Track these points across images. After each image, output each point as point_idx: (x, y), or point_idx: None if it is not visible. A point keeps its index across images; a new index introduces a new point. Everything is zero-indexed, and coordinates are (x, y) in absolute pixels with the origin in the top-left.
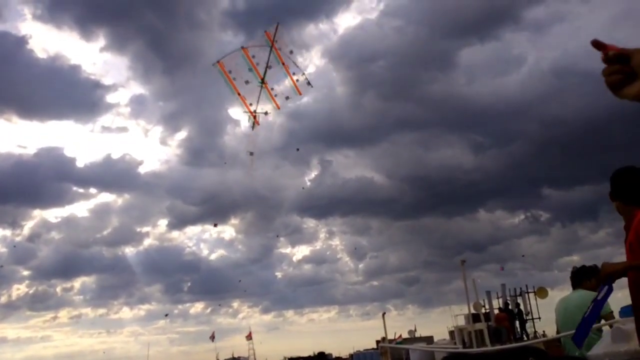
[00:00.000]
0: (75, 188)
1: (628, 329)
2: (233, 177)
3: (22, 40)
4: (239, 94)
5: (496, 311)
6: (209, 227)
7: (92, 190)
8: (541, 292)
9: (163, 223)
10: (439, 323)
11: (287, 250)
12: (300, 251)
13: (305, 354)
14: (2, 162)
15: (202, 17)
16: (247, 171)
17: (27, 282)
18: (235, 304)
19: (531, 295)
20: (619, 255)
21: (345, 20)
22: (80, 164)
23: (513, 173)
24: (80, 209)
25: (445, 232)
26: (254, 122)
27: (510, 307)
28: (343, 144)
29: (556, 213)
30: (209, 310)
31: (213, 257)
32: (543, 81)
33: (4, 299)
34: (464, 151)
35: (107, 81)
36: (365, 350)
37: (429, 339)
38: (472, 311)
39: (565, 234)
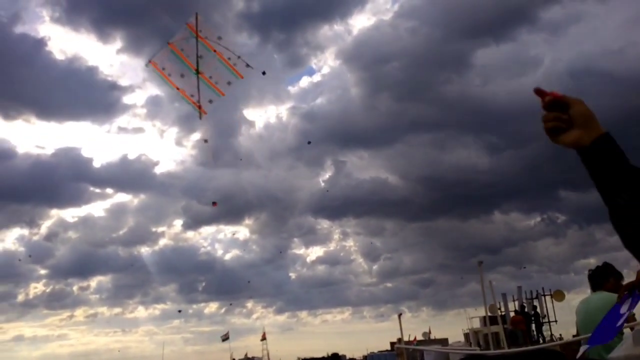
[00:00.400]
0: (92, 188)
1: None
2: (247, 178)
3: (40, 42)
4: (177, 88)
5: (512, 314)
6: (223, 228)
7: (109, 190)
8: (558, 295)
9: (178, 223)
10: (454, 325)
11: (301, 251)
12: (314, 252)
13: (319, 355)
14: (21, 162)
15: (217, 19)
16: (208, 158)
17: (44, 280)
18: (249, 304)
19: (548, 297)
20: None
21: (360, 22)
22: (97, 164)
23: (529, 174)
24: (96, 209)
25: (460, 234)
26: (200, 112)
27: (526, 309)
28: (357, 145)
29: (573, 215)
30: (223, 310)
31: (227, 257)
32: (560, 82)
33: (21, 297)
34: (479, 152)
35: (123, 82)
36: (379, 351)
37: (443, 341)
38: (488, 313)
39: (582, 237)
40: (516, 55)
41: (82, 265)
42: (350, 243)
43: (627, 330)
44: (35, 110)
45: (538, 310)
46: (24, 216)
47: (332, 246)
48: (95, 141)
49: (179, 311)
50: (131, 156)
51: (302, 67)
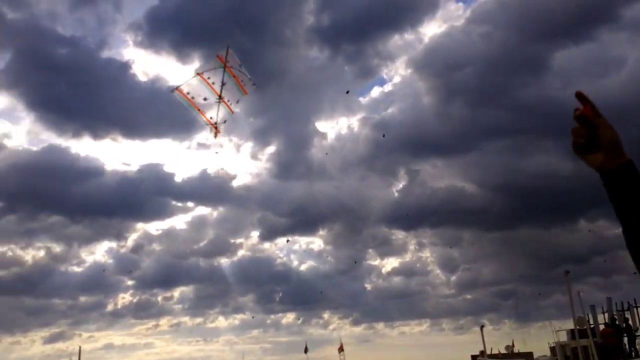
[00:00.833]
0: (174, 202)
1: None
2: (320, 189)
3: (125, 66)
4: (198, 110)
5: (602, 327)
6: (298, 239)
7: (190, 204)
8: None
9: (255, 234)
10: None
11: (376, 262)
12: (389, 263)
13: None
14: (109, 178)
15: (289, 34)
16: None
17: (131, 291)
18: (326, 315)
19: None
20: None
21: (431, 29)
22: (178, 179)
23: None
24: (178, 222)
25: (543, 244)
26: (216, 132)
27: (617, 322)
28: (431, 154)
29: None
30: (300, 320)
31: (303, 267)
32: None
33: (111, 307)
34: (560, 158)
35: (202, 100)
36: None
37: (528, 355)
38: (577, 326)
39: None
40: (597, 55)
41: (166, 276)
42: (426, 254)
43: None
44: (122, 129)
45: (630, 322)
46: (112, 230)
47: (407, 257)
48: (176, 157)
49: (252, 317)
50: (210, 170)
51: (373, 78)
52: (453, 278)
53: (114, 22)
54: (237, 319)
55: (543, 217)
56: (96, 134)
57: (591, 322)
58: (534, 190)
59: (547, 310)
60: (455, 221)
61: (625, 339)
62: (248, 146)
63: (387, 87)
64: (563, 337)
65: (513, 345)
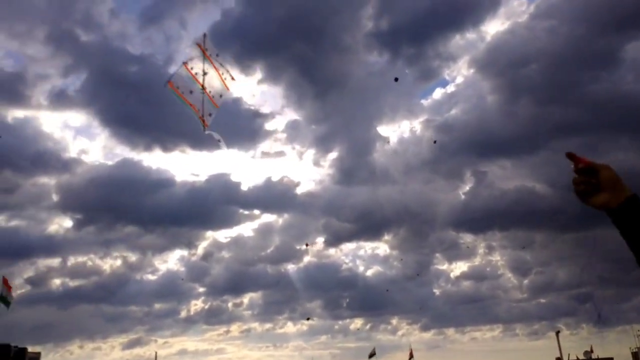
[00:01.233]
0: (241, 210)
1: None
2: (384, 194)
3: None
4: (190, 105)
5: None
6: (363, 244)
7: (256, 212)
8: None
9: (320, 240)
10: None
11: (444, 266)
12: (458, 267)
13: None
14: (179, 189)
15: (348, 41)
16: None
17: (202, 298)
18: (394, 321)
19: None
20: None
21: (493, 27)
22: (244, 187)
23: None
24: (246, 230)
25: (622, 244)
26: (203, 125)
27: None
28: (497, 154)
29: None
30: (368, 326)
31: (369, 273)
32: None
33: (184, 313)
34: (638, 154)
35: (264, 110)
36: None
37: None
38: None
39: None
40: None
41: (235, 283)
42: (496, 257)
43: None
44: (189, 141)
45: None
46: (183, 238)
47: (477, 261)
48: (242, 166)
49: (307, 318)
50: (274, 178)
51: (435, 79)
52: (525, 282)
53: (179, 38)
54: (305, 324)
55: None
56: (165, 147)
57: None
58: None
59: (628, 314)
60: (526, 223)
61: None
62: (310, 153)
63: (450, 88)
64: None
65: (592, 351)
